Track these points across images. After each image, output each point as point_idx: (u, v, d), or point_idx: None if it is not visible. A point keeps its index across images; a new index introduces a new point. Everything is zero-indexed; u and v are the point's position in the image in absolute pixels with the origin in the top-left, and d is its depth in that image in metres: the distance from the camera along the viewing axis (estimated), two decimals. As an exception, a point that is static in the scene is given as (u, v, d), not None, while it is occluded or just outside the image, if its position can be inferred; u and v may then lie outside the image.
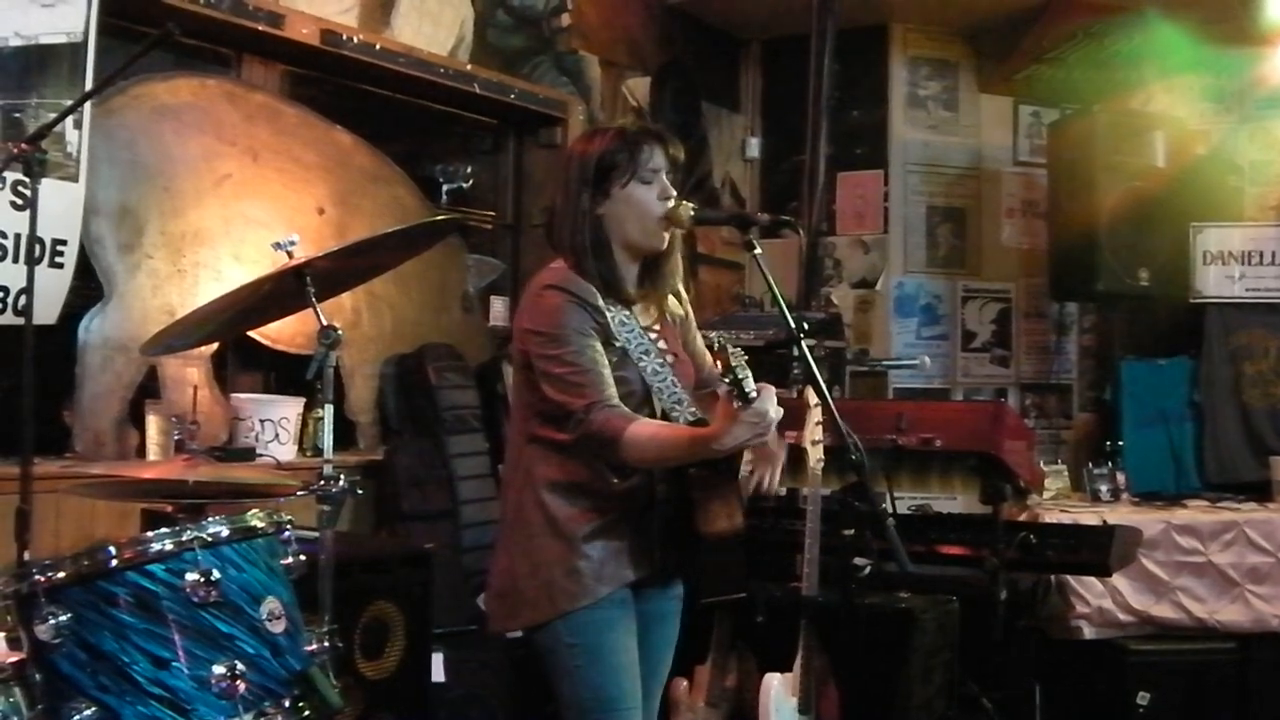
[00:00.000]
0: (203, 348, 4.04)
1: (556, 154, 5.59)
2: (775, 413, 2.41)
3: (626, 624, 2.68)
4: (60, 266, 3.62)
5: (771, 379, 4.52)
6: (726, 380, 2.36)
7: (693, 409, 2.72)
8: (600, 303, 2.65)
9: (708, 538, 2.61)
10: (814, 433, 3.65)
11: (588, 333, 2.61)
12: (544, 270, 2.73)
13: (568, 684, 2.66)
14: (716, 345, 2.42)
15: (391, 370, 4.84)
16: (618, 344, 2.66)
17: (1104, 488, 5.43)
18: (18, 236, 3.45)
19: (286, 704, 2.30)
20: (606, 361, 2.62)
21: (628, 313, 2.72)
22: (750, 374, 2.39)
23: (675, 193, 2.73)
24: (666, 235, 2.73)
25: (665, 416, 2.70)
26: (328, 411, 2.78)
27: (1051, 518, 4.93)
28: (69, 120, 3.49)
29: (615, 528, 2.66)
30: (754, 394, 2.36)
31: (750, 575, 2.78)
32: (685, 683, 3.84)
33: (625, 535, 2.66)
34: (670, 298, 2.87)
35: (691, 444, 2.52)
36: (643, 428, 2.54)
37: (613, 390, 2.59)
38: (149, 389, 4.02)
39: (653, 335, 2.77)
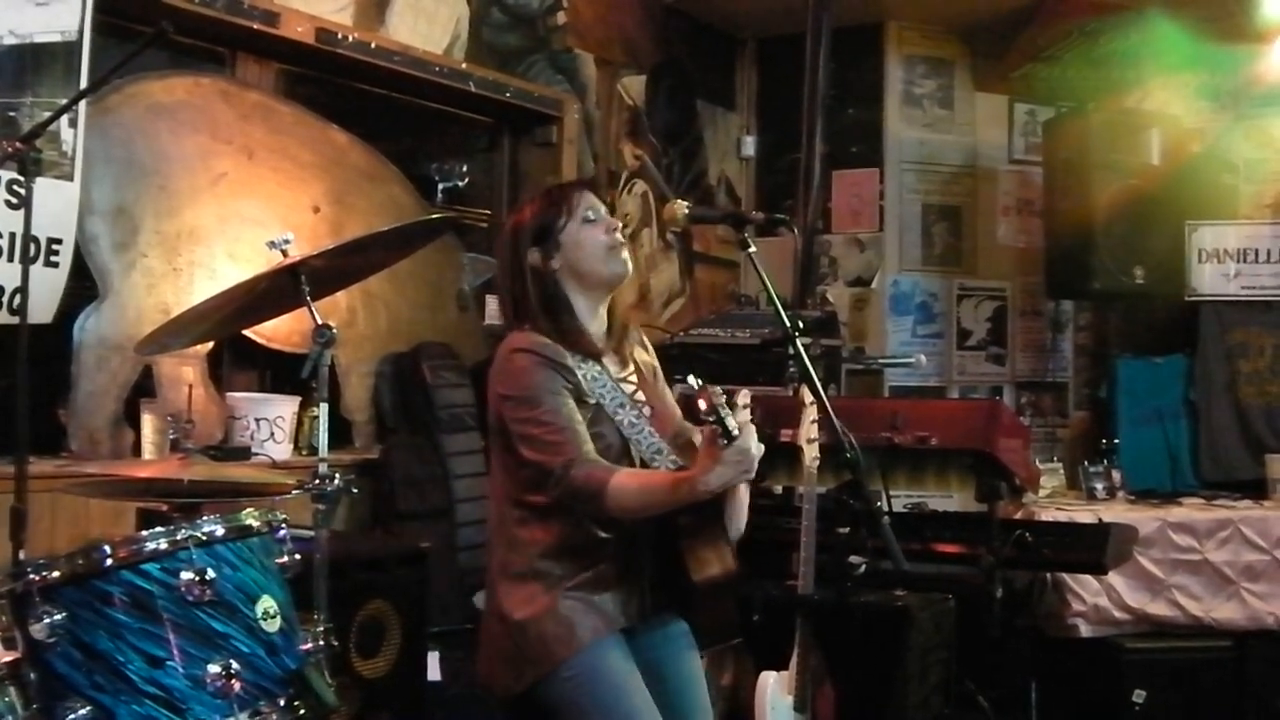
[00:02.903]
0: (198, 346, 4.03)
1: (552, 152, 5.60)
2: (757, 450, 2.40)
3: (621, 652, 2.64)
4: (55, 265, 3.61)
5: (767, 378, 4.55)
6: (711, 420, 2.34)
7: (673, 458, 2.70)
8: (569, 361, 2.64)
9: (701, 585, 2.59)
10: (809, 431, 3.66)
11: (559, 391, 2.60)
12: (511, 335, 2.71)
13: (578, 718, 2.62)
14: (697, 385, 2.40)
15: (387, 369, 4.84)
16: (591, 400, 2.64)
17: (1100, 486, 5.44)
18: (12, 235, 3.45)
19: (282, 703, 2.30)
20: (581, 418, 2.60)
21: (599, 367, 2.70)
22: (731, 413, 2.38)
23: (620, 224, 2.75)
24: (628, 264, 2.73)
25: (645, 467, 2.68)
26: (323, 410, 2.77)
27: (1047, 516, 4.94)
28: (64, 119, 3.48)
29: (604, 580, 2.64)
30: (736, 432, 2.35)
31: (747, 578, 2.76)
32: (681, 681, 3.83)
33: (613, 586, 2.65)
34: (639, 349, 2.88)
35: (675, 488, 2.48)
36: (626, 478, 2.52)
37: (590, 445, 2.57)
38: (144, 388, 4.02)
39: (627, 387, 2.76)
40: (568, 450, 2.54)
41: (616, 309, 2.81)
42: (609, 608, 2.64)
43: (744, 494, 2.78)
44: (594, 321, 2.75)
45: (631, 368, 2.83)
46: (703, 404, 2.36)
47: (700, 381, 2.40)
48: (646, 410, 2.76)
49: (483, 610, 2.81)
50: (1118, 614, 4.92)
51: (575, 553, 2.63)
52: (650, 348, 2.96)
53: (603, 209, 2.74)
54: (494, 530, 2.76)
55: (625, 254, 2.73)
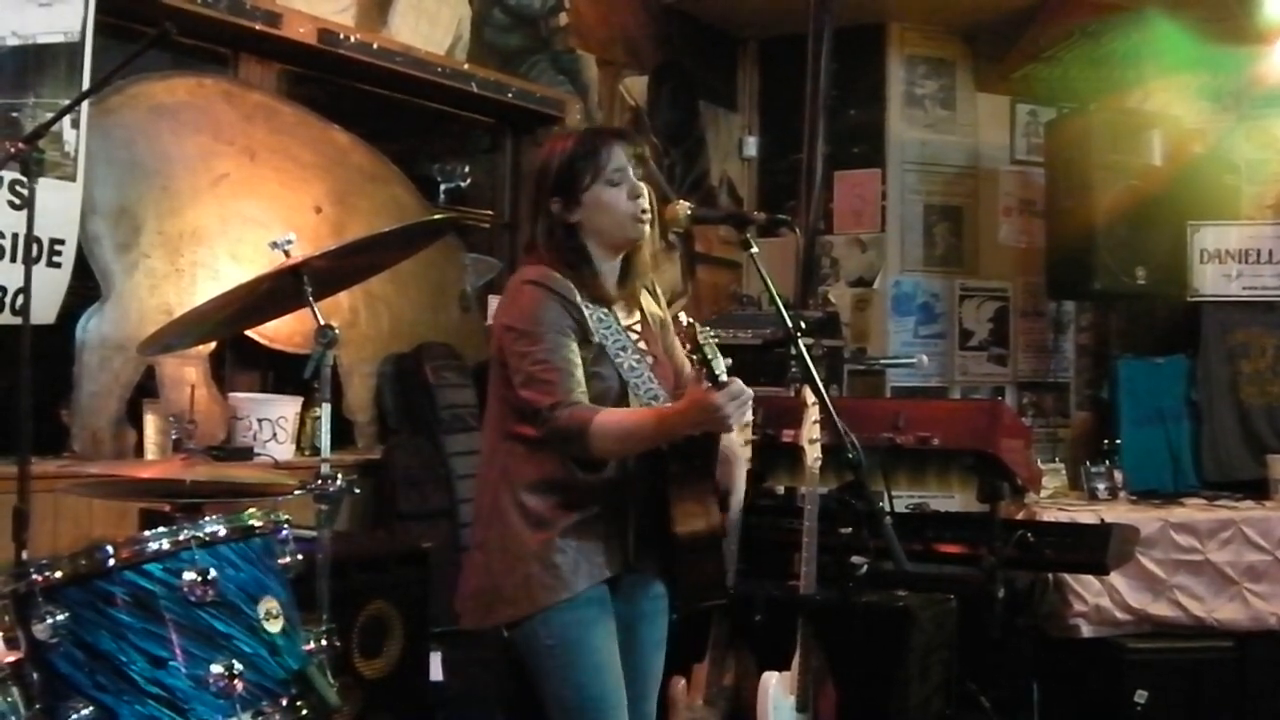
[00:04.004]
0: (200, 347, 4.04)
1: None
2: (745, 395, 2.42)
3: (604, 623, 2.67)
4: (58, 266, 3.62)
5: (769, 378, 4.55)
6: (694, 358, 2.36)
7: (669, 405, 2.72)
8: (578, 299, 2.65)
9: (683, 538, 2.60)
10: (811, 431, 3.66)
11: (564, 330, 2.61)
12: (524, 267, 2.73)
13: (549, 685, 2.66)
14: (685, 322, 2.42)
15: (389, 369, 4.84)
16: (594, 340, 2.66)
17: (1101, 486, 5.43)
18: (15, 236, 3.45)
19: (284, 703, 2.30)
20: (579, 360, 2.61)
21: (606, 310, 2.72)
22: (721, 356, 2.39)
23: (645, 190, 2.72)
24: (645, 227, 2.72)
25: None
26: (325, 411, 2.78)
27: (1049, 516, 4.93)
28: (66, 120, 3.49)
29: (592, 524, 2.65)
30: (723, 377, 2.38)
31: (741, 576, 2.76)
32: (683, 681, 3.84)
33: (601, 532, 2.66)
34: (649, 300, 2.88)
35: (658, 424, 2.52)
36: (608, 415, 2.54)
37: (582, 389, 2.59)
38: (147, 388, 4.02)
39: (633, 335, 2.77)
40: (557, 392, 2.55)
41: (636, 258, 2.80)
42: (598, 556, 2.64)
43: (740, 472, 2.80)
44: (608, 270, 2.76)
45: (638, 316, 2.83)
46: (687, 342, 2.38)
47: (690, 319, 2.41)
48: (649, 359, 2.76)
49: (470, 540, 2.81)
50: (1119, 614, 4.91)
51: (564, 491, 2.64)
52: (662, 299, 2.95)
53: (630, 169, 2.70)
54: (485, 465, 2.77)
55: (646, 218, 2.71)
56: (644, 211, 2.70)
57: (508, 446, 2.69)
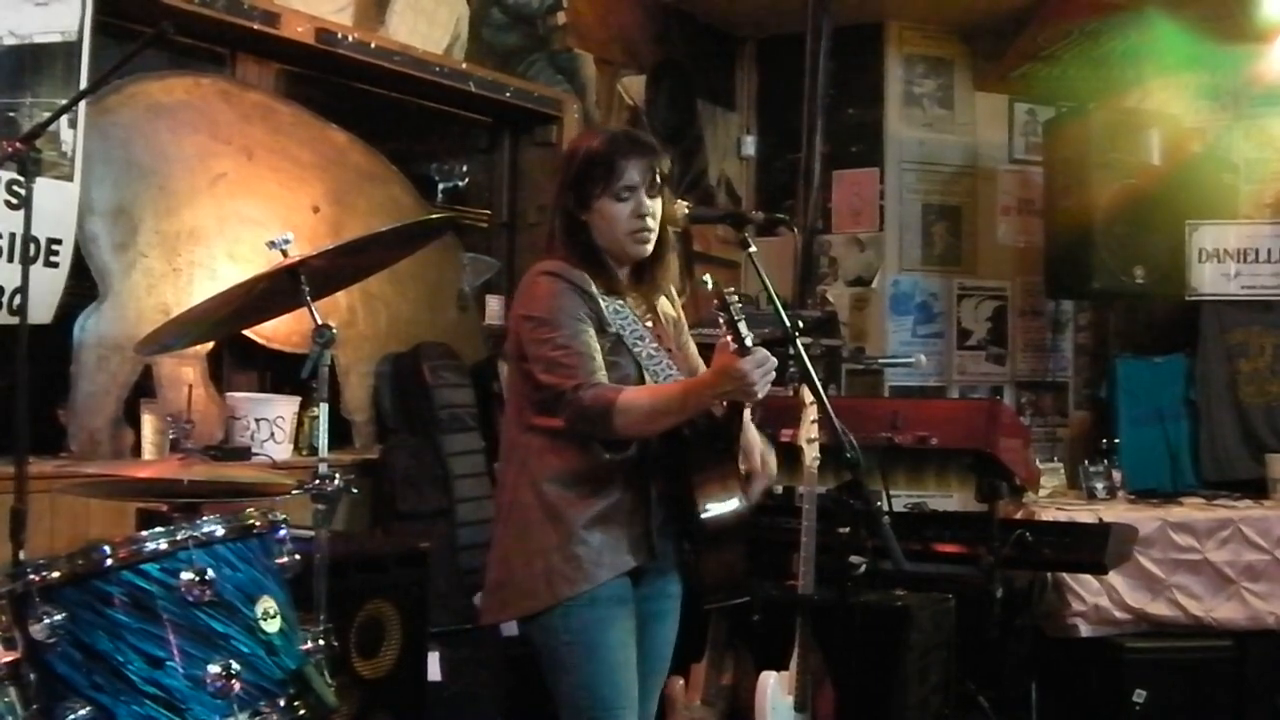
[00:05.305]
0: (198, 347, 4.03)
1: (552, 152, 5.59)
2: (770, 363, 2.42)
3: (625, 621, 2.68)
4: (55, 266, 3.61)
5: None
6: (723, 317, 2.36)
7: (694, 377, 2.73)
8: (593, 290, 2.67)
9: (707, 522, 2.60)
10: (809, 431, 3.66)
11: (581, 317, 2.63)
12: (540, 262, 2.75)
13: (564, 681, 2.66)
14: (710, 284, 2.43)
15: (387, 369, 4.83)
16: (611, 330, 2.68)
17: (1100, 485, 5.44)
18: (12, 236, 3.45)
19: (281, 703, 2.30)
20: (598, 346, 2.63)
21: (621, 301, 2.74)
22: (745, 319, 2.40)
23: (653, 208, 2.71)
24: (647, 246, 2.73)
25: None
26: (323, 410, 2.78)
27: (1047, 515, 4.94)
28: (64, 119, 3.49)
29: (614, 515, 2.65)
30: (749, 341, 2.39)
31: (750, 575, 2.76)
32: (681, 681, 3.84)
33: (623, 523, 2.66)
34: (663, 300, 2.88)
35: (684, 395, 2.54)
36: (633, 391, 2.57)
37: (603, 373, 2.60)
38: (144, 388, 4.02)
39: (648, 324, 2.79)
40: (579, 375, 2.57)
41: (658, 267, 2.81)
42: (621, 546, 2.65)
43: (771, 458, 2.80)
44: (619, 269, 2.78)
45: (651, 313, 2.84)
46: (716, 302, 2.39)
47: (715, 281, 2.42)
48: (665, 350, 2.78)
49: (491, 535, 2.82)
50: (1118, 614, 4.92)
51: (585, 483, 2.65)
52: (677, 302, 2.97)
53: (642, 185, 2.69)
54: (504, 461, 2.79)
55: (648, 237, 2.72)
56: (645, 230, 2.70)
57: (526, 440, 2.71)
